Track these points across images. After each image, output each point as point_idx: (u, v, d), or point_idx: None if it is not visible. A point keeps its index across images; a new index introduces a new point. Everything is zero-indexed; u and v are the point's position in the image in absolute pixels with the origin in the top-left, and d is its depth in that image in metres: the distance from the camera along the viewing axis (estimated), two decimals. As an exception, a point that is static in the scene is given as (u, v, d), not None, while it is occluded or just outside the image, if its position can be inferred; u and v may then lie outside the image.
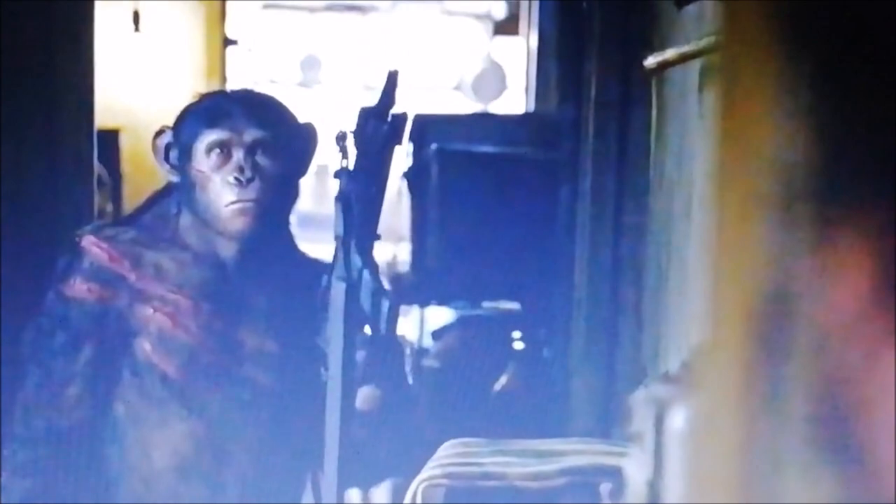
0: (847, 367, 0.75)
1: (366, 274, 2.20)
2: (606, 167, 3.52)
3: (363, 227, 2.22)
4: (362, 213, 2.21)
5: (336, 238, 2.23)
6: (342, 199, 2.22)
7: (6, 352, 2.41)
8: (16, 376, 2.35)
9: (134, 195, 4.48)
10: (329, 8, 13.57)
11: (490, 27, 12.56)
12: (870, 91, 0.75)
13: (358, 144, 2.20)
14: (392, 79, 2.23)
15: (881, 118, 0.75)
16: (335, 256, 2.24)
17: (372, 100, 2.22)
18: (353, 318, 2.21)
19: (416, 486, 2.14)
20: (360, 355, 2.23)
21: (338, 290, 2.22)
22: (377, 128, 2.20)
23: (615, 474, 2.02)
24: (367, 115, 2.21)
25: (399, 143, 2.24)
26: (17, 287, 2.62)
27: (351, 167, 2.22)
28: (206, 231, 2.36)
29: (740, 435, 0.81)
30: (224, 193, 2.32)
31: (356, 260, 2.20)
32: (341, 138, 2.21)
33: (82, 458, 2.34)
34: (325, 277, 2.24)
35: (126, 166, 6.00)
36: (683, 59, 2.75)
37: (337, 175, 2.23)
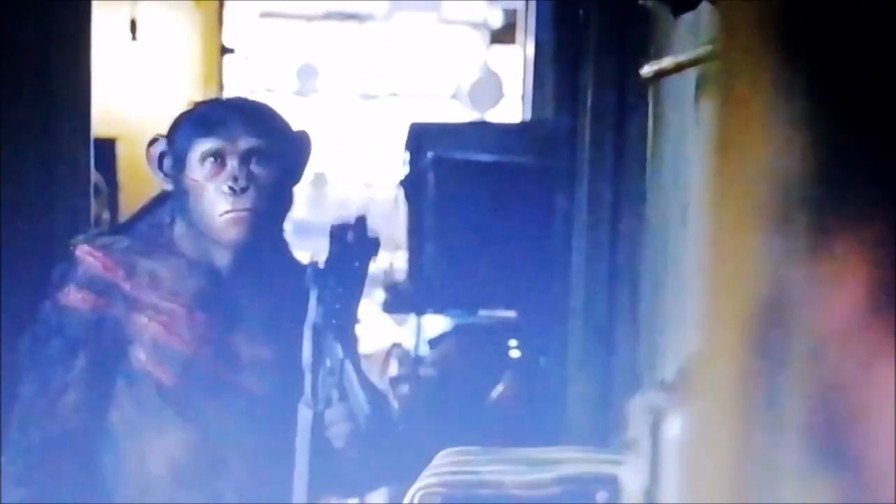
0: (843, 376, 0.75)
1: (347, 365, 2.20)
2: (603, 175, 3.53)
3: (344, 317, 2.22)
4: (342, 310, 2.22)
5: (304, 365, 2.24)
6: (314, 328, 2.23)
7: (2, 360, 2.41)
8: (12, 384, 2.34)
9: (131, 203, 4.48)
10: (326, 17, 13.57)
11: (487, 36, 12.55)
12: (866, 100, 0.75)
13: (332, 266, 2.21)
14: (361, 222, 2.23)
15: (877, 127, 0.75)
16: (305, 382, 2.25)
17: (344, 222, 2.23)
18: (320, 447, 2.23)
19: (413, 494, 2.14)
20: (344, 428, 2.24)
21: (304, 419, 2.24)
22: (350, 254, 2.21)
23: (611, 482, 2.02)
24: (340, 239, 2.21)
25: (375, 256, 2.25)
26: (13, 295, 2.62)
27: (325, 291, 2.22)
28: (201, 240, 2.36)
29: (736, 443, 0.81)
30: (218, 202, 2.32)
31: (336, 349, 2.21)
32: (314, 267, 2.21)
33: (78, 466, 2.33)
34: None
35: (123, 175, 6.00)
36: (680, 67, 2.75)
37: (311, 280, 2.22)
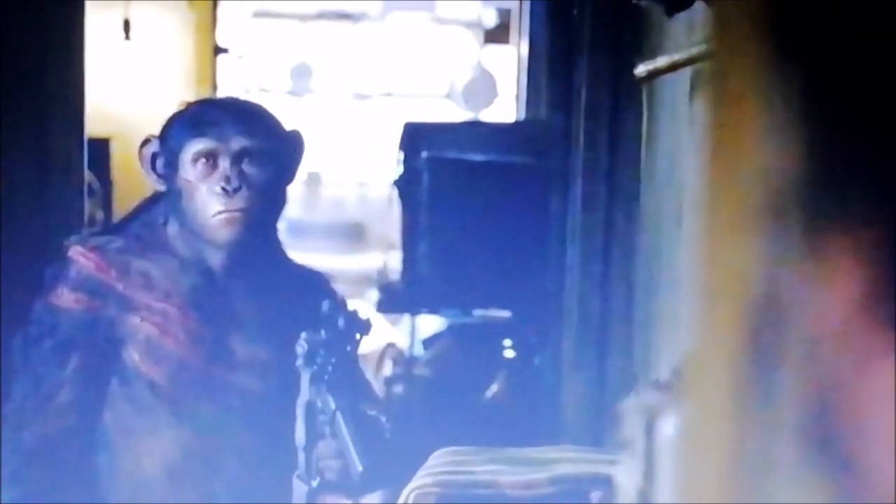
0: (838, 375, 0.75)
1: (339, 417, 2.19)
2: (597, 175, 3.52)
3: (338, 373, 2.21)
4: (334, 371, 2.21)
5: (298, 443, 2.23)
6: (307, 406, 2.22)
7: (-2, 360, 2.40)
8: (5, 385, 2.34)
9: (124, 203, 4.48)
10: (320, 16, 13.56)
11: (481, 35, 12.56)
12: (861, 99, 0.75)
13: (324, 347, 2.20)
14: (354, 310, 2.24)
15: (872, 127, 0.75)
16: (299, 459, 2.25)
17: (335, 307, 2.22)
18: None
19: (408, 494, 2.14)
20: (335, 464, 2.23)
21: (299, 493, 2.25)
22: (342, 338, 2.21)
23: (606, 482, 2.02)
24: (332, 325, 2.21)
25: (367, 334, 2.25)
26: (7, 295, 2.62)
27: (317, 371, 2.21)
28: (194, 240, 2.36)
29: (731, 442, 0.80)
30: (211, 203, 2.32)
31: (329, 400, 2.20)
32: (305, 349, 2.20)
33: (72, 465, 2.33)
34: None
35: (116, 174, 6.00)
36: (674, 67, 2.75)
37: (302, 361, 2.21)
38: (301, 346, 2.20)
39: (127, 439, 2.34)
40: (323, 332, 2.19)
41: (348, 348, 2.21)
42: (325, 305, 2.21)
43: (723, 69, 0.83)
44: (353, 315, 2.22)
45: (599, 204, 3.53)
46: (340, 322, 2.20)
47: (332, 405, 2.19)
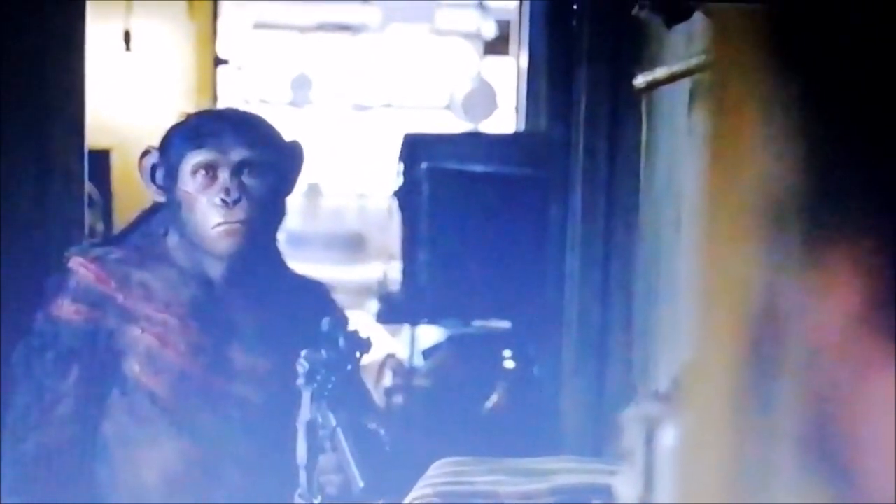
0: (837, 385, 0.75)
1: (339, 433, 2.18)
2: (596, 185, 3.53)
3: (339, 390, 2.20)
4: (334, 388, 2.20)
5: (299, 462, 2.23)
6: (308, 425, 2.21)
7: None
8: (6, 395, 2.34)
9: (125, 214, 4.48)
10: (320, 27, 13.57)
11: (480, 47, 12.56)
12: (858, 109, 0.75)
13: (325, 367, 2.20)
14: (355, 328, 2.24)
15: (870, 136, 0.75)
16: (300, 478, 2.24)
17: (336, 325, 2.22)
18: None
19: (408, 504, 2.14)
20: (336, 479, 2.22)
21: None
22: (343, 358, 2.20)
23: (606, 492, 2.01)
24: (332, 344, 2.20)
25: (367, 352, 2.24)
26: (7, 306, 2.62)
27: (318, 389, 2.20)
28: (194, 251, 2.36)
29: (730, 452, 0.81)
30: (210, 215, 2.32)
31: (329, 417, 2.19)
32: (306, 368, 2.19)
33: (72, 476, 2.33)
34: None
35: (117, 185, 6.00)
36: (673, 77, 2.76)
37: (303, 380, 2.21)
38: (301, 366, 2.19)
39: (127, 450, 2.34)
40: (323, 351, 2.19)
41: (349, 367, 2.21)
42: (326, 324, 2.20)
43: (721, 80, 0.83)
44: (354, 334, 2.21)
45: (599, 214, 3.54)
46: (341, 341, 2.19)
47: (333, 421, 2.19)
